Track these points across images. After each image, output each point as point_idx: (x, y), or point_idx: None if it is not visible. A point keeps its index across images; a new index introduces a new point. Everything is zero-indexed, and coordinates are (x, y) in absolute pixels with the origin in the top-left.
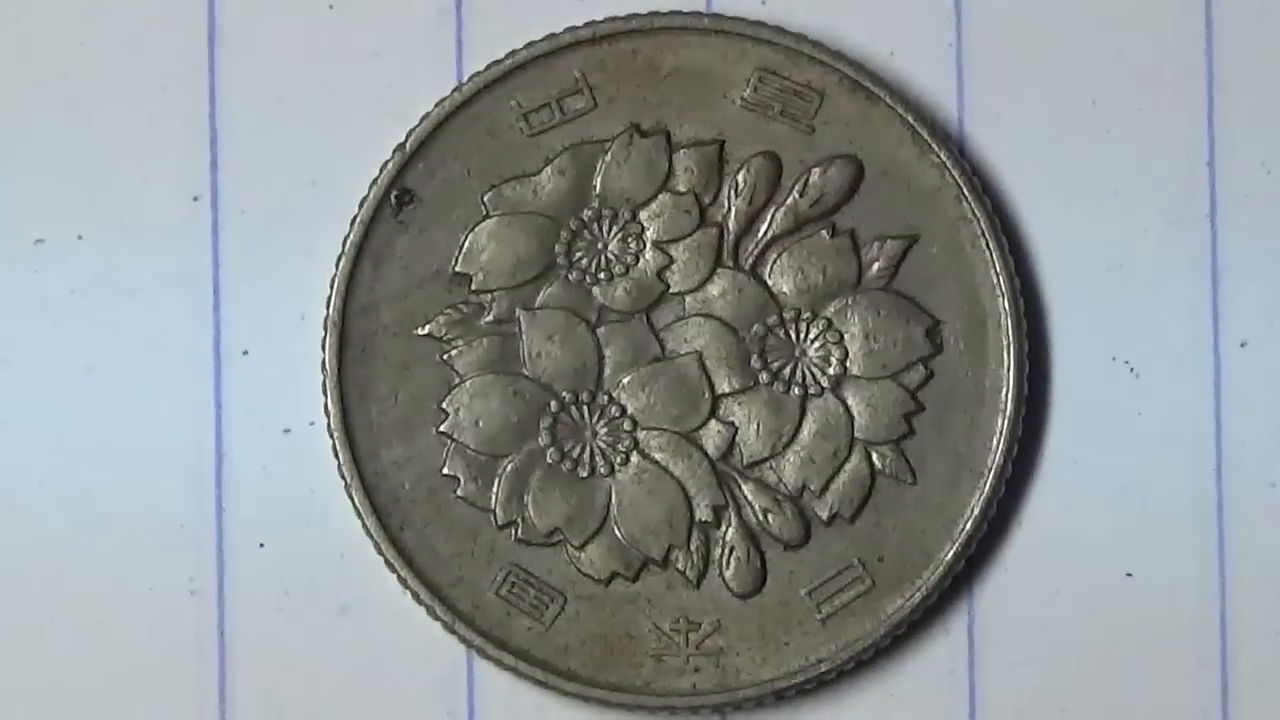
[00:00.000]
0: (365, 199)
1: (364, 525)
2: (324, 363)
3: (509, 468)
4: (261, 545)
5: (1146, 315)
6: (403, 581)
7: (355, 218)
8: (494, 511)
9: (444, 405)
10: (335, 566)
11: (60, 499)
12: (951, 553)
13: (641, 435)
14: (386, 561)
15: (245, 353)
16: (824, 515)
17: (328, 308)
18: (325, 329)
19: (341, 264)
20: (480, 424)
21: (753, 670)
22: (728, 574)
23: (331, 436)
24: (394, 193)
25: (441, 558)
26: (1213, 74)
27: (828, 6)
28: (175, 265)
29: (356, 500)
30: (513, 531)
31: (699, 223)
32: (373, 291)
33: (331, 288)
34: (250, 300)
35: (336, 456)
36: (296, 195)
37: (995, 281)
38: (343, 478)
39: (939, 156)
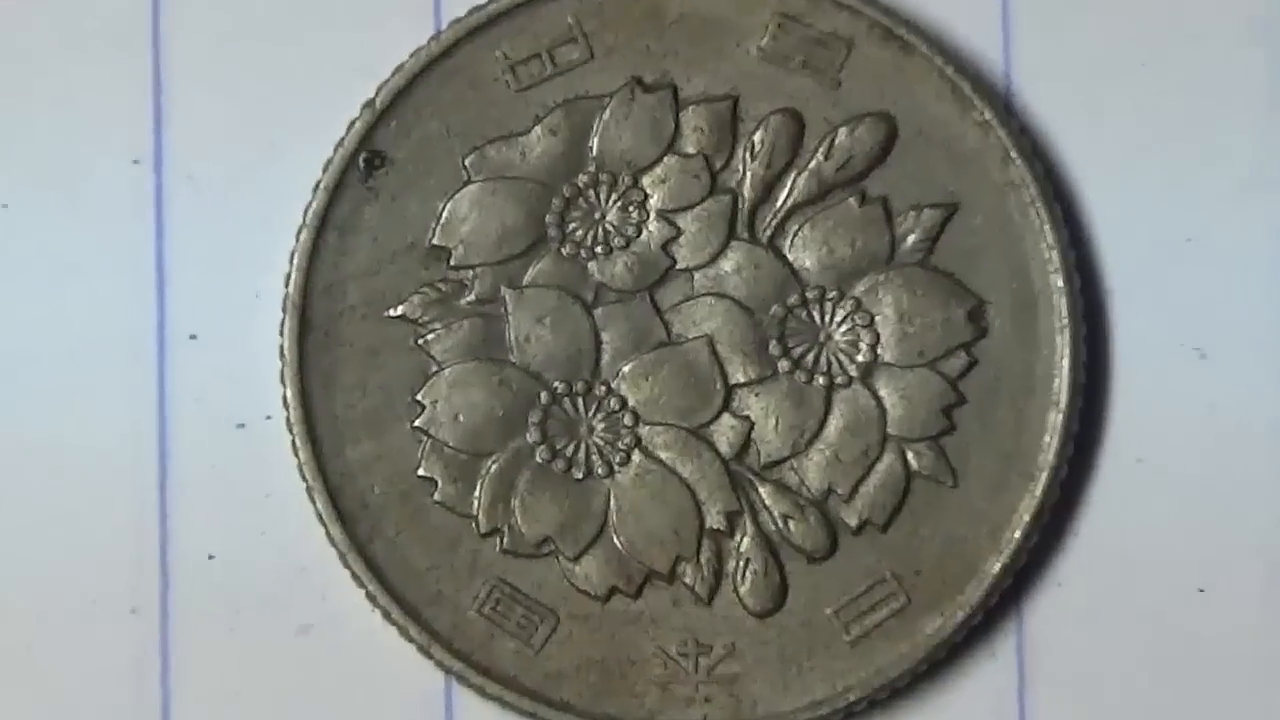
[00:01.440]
0: (330, 162)
1: (328, 534)
2: (282, 348)
3: (493, 468)
4: (210, 557)
5: (1219, 294)
6: (371, 598)
7: (319, 184)
8: (476, 518)
9: (419, 397)
10: (294, 581)
11: None
12: (998, 565)
13: (644, 431)
14: (353, 575)
15: (193, 337)
16: (852, 523)
17: (287, 286)
18: (284, 310)
19: (303, 236)
20: (460, 418)
21: (772, 700)
22: (743, 590)
23: (291, 432)
24: (363, 155)
25: (416, 571)
26: None
27: None
28: (113, 237)
29: (319, 505)
30: (498, 541)
31: (710, 189)
32: (338, 268)
33: (291, 263)
34: (199, 277)
35: (296, 455)
36: (252, 158)
37: (1047, 256)
38: (304, 479)
39: (983, 114)
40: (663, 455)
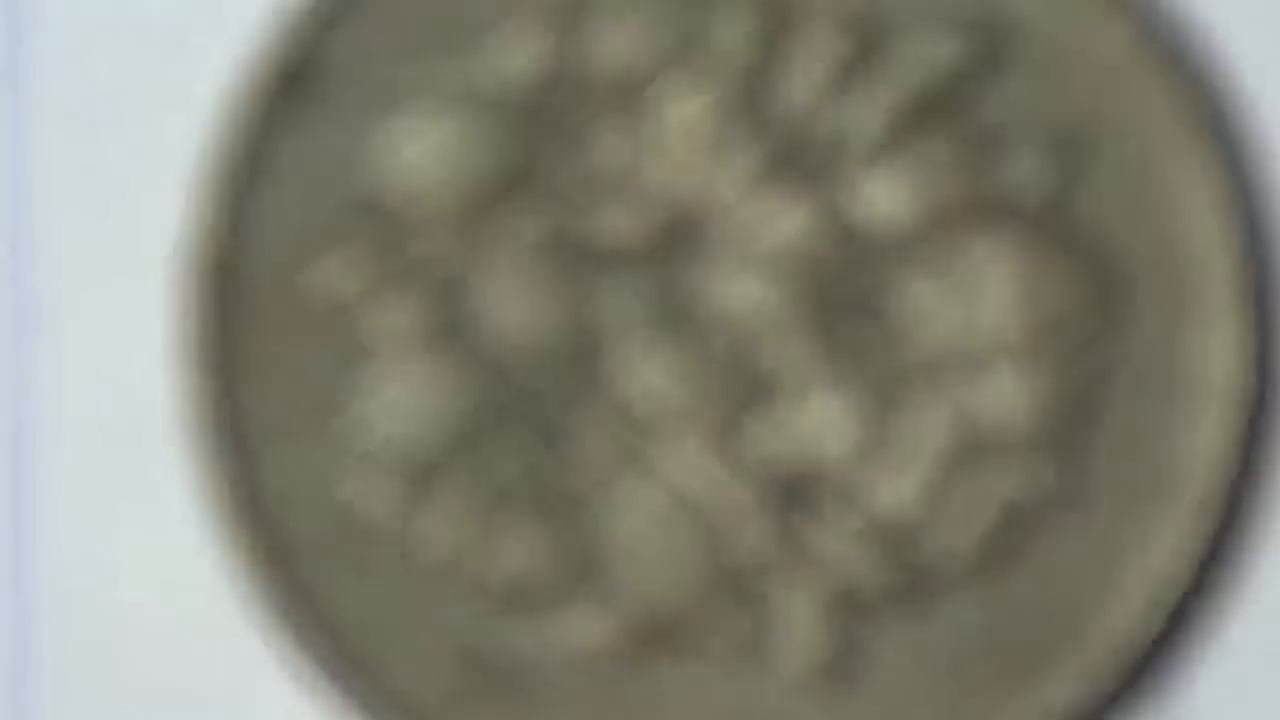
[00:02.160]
0: (235, 84)
1: (242, 573)
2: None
3: (450, 488)
4: (81, 600)
5: None
6: (292, 661)
7: (219, 111)
8: (429, 554)
9: (352, 393)
10: (192, 637)
11: None
12: (1144, 618)
13: (655, 439)
14: (271, 629)
15: (55, 313)
16: (945, 562)
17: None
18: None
19: (199, 180)
20: (407, 422)
21: None
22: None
23: (186, 440)
24: (278, 74)
25: (355, 622)
26: None
27: None
28: None
29: (225, 535)
30: (457, 584)
31: (749, 112)
32: (245, 222)
33: (183, 216)
34: (63, 233)
35: (195, 470)
36: (123, 76)
37: (1210, 209)
38: (204, 502)
39: (1129, 17)
40: (679, 471)
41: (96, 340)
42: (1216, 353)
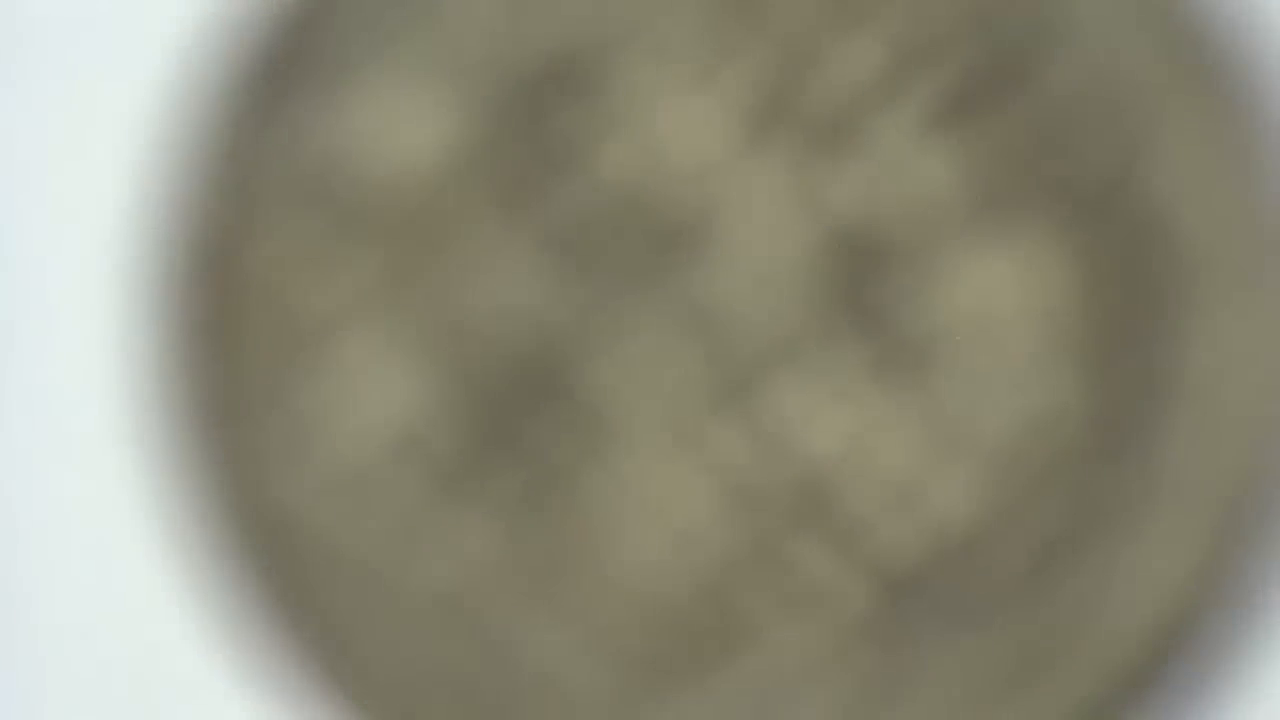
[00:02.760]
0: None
1: (223, 568)
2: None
3: (406, 489)
4: None
5: None
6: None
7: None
8: (382, 563)
9: (299, 383)
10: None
11: None
12: (1209, 624)
13: (638, 434)
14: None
15: None
16: (981, 572)
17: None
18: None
19: (139, 151)
20: (360, 413)
21: None
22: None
23: (156, 436)
24: (252, 58)
25: (337, 623)
26: None
27: None
28: None
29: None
30: (413, 596)
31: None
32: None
33: (152, 206)
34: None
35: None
36: (64, 41)
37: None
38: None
39: None
40: (665, 469)
41: (60, 342)
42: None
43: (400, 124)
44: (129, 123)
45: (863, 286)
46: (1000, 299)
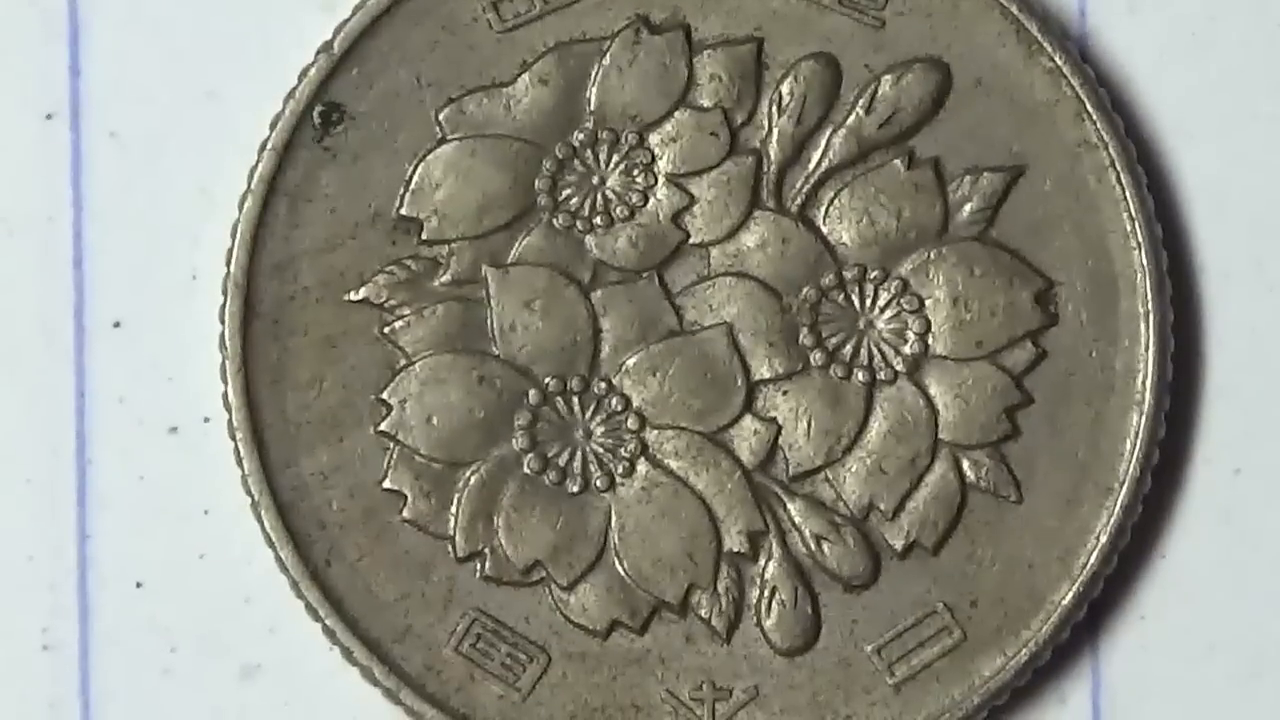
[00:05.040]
0: (279, 117)
1: (278, 558)
2: (223, 338)
3: (473, 480)
4: (138, 585)
5: None
6: (330, 633)
7: (265, 142)
8: (453, 539)
9: (385, 396)
10: (238, 614)
11: None
12: (1070, 595)
13: (651, 436)
14: (308, 606)
15: (116, 324)
16: (898, 544)
17: (228, 264)
18: (225, 293)
19: (247, 205)
20: (434, 421)
21: None
22: (768, 624)
23: (233, 438)
24: (318, 109)
25: (382, 602)
26: None
27: None
28: (22, 206)
29: (267, 524)
30: (478, 566)
31: (729, 149)
32: (289, 242)
33: (233, 237)
34: (123, 253)
35: (240, 465)
36: (186, 112)
37: (1129, 229)
38: (249, 494)
39: (1053, 60)
40: (673, 465)
41: (158, 343)
42: (1138, 353)
43: (460, 178)
44: (235, 179)
45: (800, 318)
46: (907, 323)
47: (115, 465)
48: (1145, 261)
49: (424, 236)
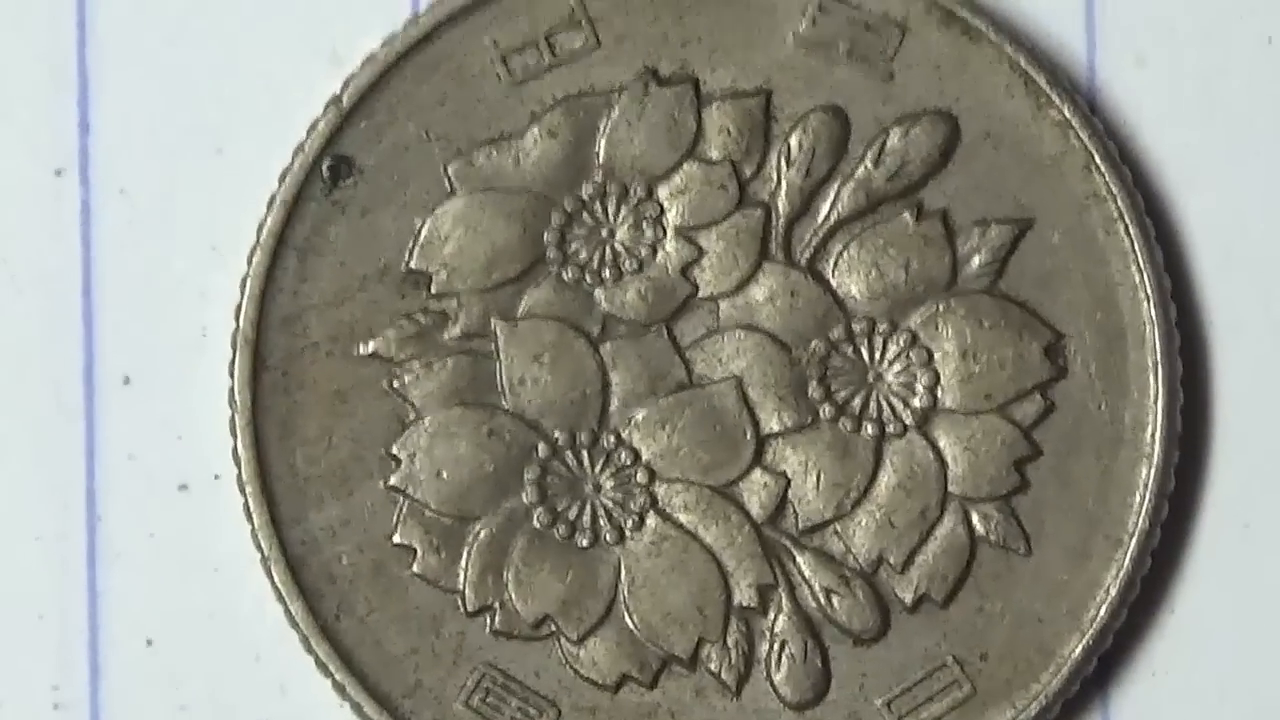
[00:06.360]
0: (288, 171)
1: (287, 613)
2: (232, 393)
3: (482, 534)
4: (149, 643)
5: None
6: (339, 688)
7: (274, 197)
8: (463, 593)
9: (395, 450)
10: (248, 672)
11: None
12: (1079, 648)
13: (661, 490)
14: (318, 661)
15: (126, 381)
16: (907, 598)
17: (237, 319)
18: (234, 347)
19: (256, 259)
20: (444, 475)
21: None
22: (777, 677)
23: (243, 493)
24: (327, 163)
25: (392, 656)
26: None
27: None
28: (32, 261)
29: (277, 579)
30: (488, 620)
31: (738, 202)
32: (298, 296)
33: (242, 292)
34: (133, 309)
35: (250, 520)
36: (195, 167)
37: (1137, 281)
38: (258, 548)
39: (1062, 112)
40: (683, 519)
41: (168, 399)
42: (1147, 406)
43: (469, 231)
44: (245, 233)
45: (808, 371)
46: (915, 376)
47: (125, 522)
48: (1154, 314)
49: (433, 290)
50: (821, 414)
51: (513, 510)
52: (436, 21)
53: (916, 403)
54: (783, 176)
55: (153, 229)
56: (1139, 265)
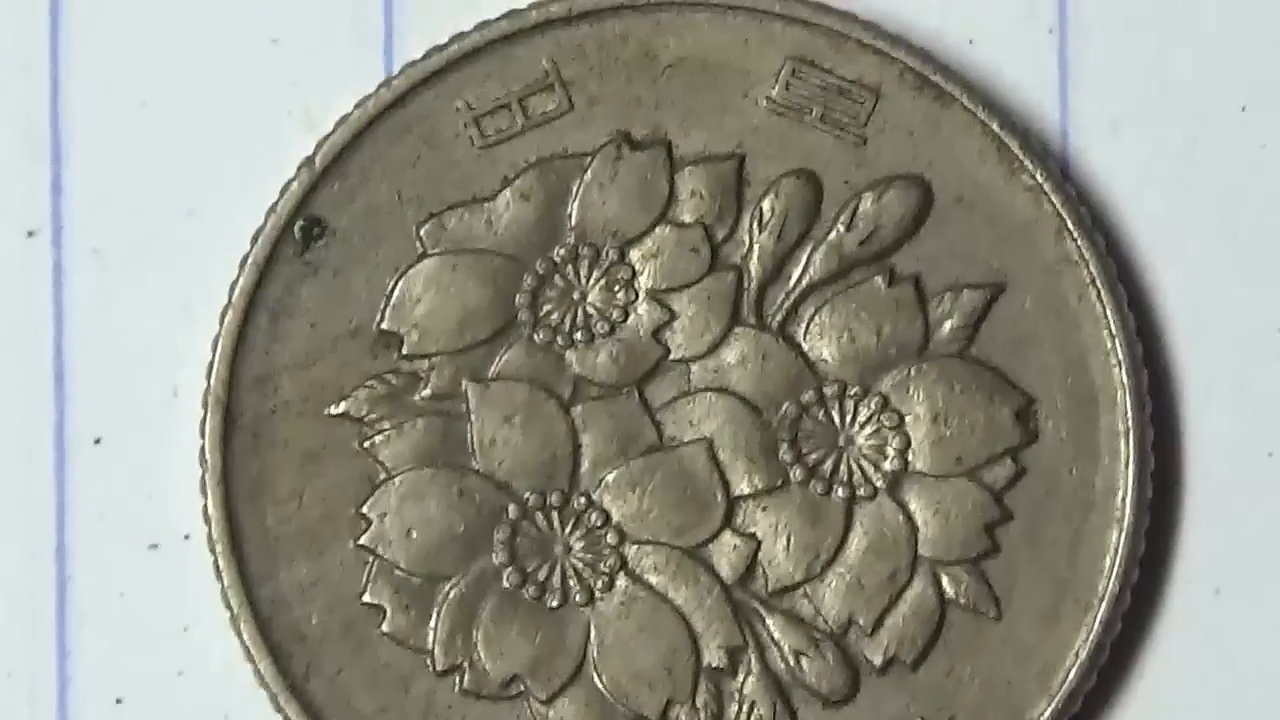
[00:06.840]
0: (260, 232)
1: (257, 672)
2: (203, 452)
3: (452, 594)
4: (118, 701)
5: None
6: None
7: (246, 257)
8: (432, 653)
9: (365, 510)
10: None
11: None
12: (1049, 713)
13: (631, 551)
14: None
15: (97, 441)
16: (877, 660)
17: (209, 378)
18: (205, 407)
19: (228, 320)
20: (413, 535)
21: None
22: None
23: (213, 552)
24: (299, 224)
25: (361, 715)
26: None
27: None
28: (4, 321)
29: (246, 638)
30: (457, 680)
31: (710, 265)
32: (269, 356)
33: (214, 352)
34: (104, 369)
35: (220, 579)
36: (167, 228)
37: (1109, 346)
38: (228, 608)
39: (1034, 178)
40: (652, 580)
41: (139, 459)
42: (1118, 470)
43: (440, 292)
44: (216, 294)
45: (779, 434)
46: (886, 440)
47: (95, 582)
48: (1126, 379)
49: (404, 351)
50: (792, 476)
51: (483, 570)
52: (409, 84)
53: (887, 466)
54: (755, 240)
55: (125, 289)
56: (1111, 330)
